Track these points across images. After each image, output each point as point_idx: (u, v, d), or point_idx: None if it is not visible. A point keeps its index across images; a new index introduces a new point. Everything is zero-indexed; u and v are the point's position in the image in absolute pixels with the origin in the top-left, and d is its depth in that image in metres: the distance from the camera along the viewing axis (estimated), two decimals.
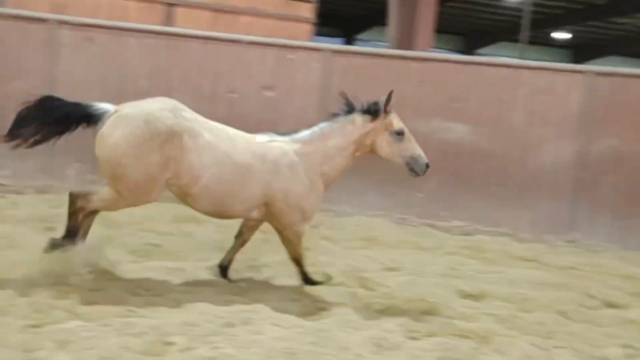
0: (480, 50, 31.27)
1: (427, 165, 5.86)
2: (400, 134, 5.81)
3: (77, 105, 5.38)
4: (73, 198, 5.43)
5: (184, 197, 5.55)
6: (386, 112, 5.81)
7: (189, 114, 5.56)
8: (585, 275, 7.23)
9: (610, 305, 6.15)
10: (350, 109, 5.87)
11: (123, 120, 5.28)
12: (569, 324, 5.46)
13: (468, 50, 30.99)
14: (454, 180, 8.95)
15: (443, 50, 25.10)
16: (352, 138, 5.82)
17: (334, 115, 5.91)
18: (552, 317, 5.57)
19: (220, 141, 5.57)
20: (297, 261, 6.03)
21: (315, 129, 5.90)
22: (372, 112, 5.79)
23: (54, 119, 5.25)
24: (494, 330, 5.12)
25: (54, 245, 5.42)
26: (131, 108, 5.43)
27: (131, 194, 5.37)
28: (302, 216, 5.80)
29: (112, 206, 5.50)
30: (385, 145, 5.84)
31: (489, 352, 4.69)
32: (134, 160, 5.24)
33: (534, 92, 8.90)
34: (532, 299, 6.04)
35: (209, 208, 5.63)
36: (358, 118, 5.82)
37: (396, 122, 5.86)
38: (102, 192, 5.40)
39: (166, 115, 5.34)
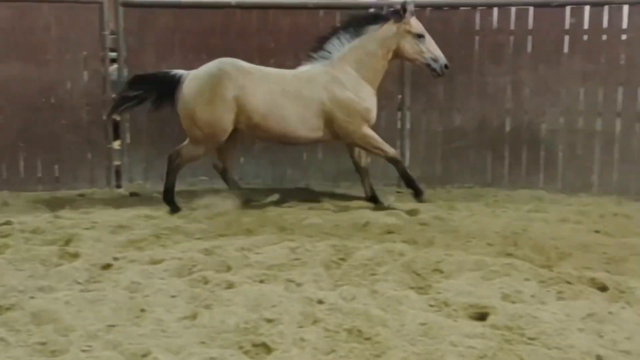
0: None
1: (446, 66, 6.76)
2: (421, 36, 6.73)
3: (159, 73, 7.07)
4: (170, 158, 6.96)
5: (252, 130, 6.90)
6: (405, 17, 6.66)
7: (244, 64, 6.85)
8: None
9: None
10: (370, 19, 6.88)
11: (192, 79, 6.81)
12: None
13: None
14: None
15: None
16: (379, 43, 6.79)
17: (357, 28, 6.86)
18: None
19: (272, 80, 6.82)
20: (394, 160, 7.02)
21: (346, 45, 6.87)
22: (392, 16, 6.73)
23: (149, 87, 6.92)
24: None
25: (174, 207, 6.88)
26: (197, 69, 6.90)
27: (205, 137, 6.78)
28: (362, 118, 6.81)
29: (195, 153, 6.93)
30: (408, 47, 6.77)
31: None
32: (204, 107, 6.68)
33: None
34: None
35: (273, 135, 6.90)
36: (381, 25, 6.78)
37: (417, 26, 6.73)
38: (185, 145, 6.93)
39: (225, 66, 6.77)
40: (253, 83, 6.72)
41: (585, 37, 7.68)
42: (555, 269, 4.85)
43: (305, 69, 7.00)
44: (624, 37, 7.50)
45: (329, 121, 6.83)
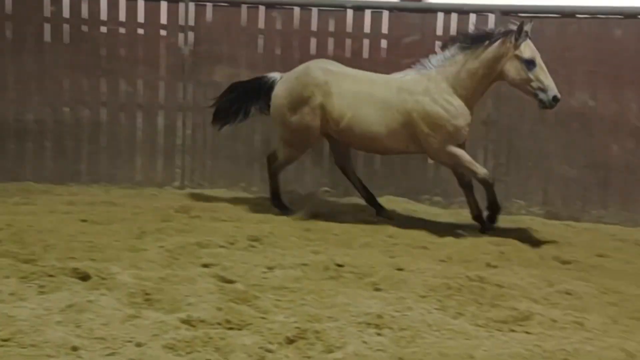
0: None
1: (556, 98, 5.97)
2: (530, 62, 6.02)
3: (255, 79, 7.03)
4: (269, 159, 7.06)
5: (340, 136, 6.69)
6: (517, 39, 6.02)
7: (335, 67, 6.75)
8: None
9: None
10: (481, 35, 6.25)
11: (283, 81, 6.82)
12: None
13: None
14: None
15: None
16: (482, 63, 6.21)
17: (465, 41, 6.30)
18: None
19: (360, 84, 6.58)
20: (485, 182, 6.37)
21: (447, 54, 6.41)
22: (502, 36, 6.13)
23: (243, 95, 6.93)
24: None
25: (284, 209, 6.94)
26: (290, 72, 6.88)
27: (295, 140, 6.78)
28: (448, 136, 6.28)
29: (287, 157, 6.92)
30: (513, 71, 6.14)
31: None
32: (292, 111, 6.64)
33: None
34: None
35: (360, 143, 6.70)
36: (488, 43, 6.18)
37: (527, 51, 6.06)
38: (279, 147, 6.92)
39: (314, 71, 6.66)
40: (340, 88, 6.56)
41: (68, 27, 7.66)
42: (40, 262, 4.73)
43: (399, 75, 6.62)
44: (103, 29, 7.71)
45: (415, 134, 6.42)
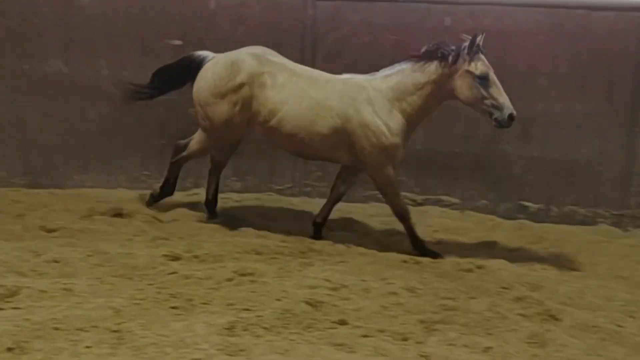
0: None
1: (511, 116, 5.51)
2: (482, 78, 5.55)
3: (181, 59, 6.21)
4: (177, 148, 6.36)
5: (268, 135, 5.99)
6: (470, 55, 5.54)
7: (275, 58, 6.02)
8: None
9: None
10: (433, 51, 5.68)
11: (212, 65, 5.99)
12: None
13: None
14: None
15: None
16: (430, 78, 5.69)
17: (417, 56, 5.75)
18: None
19: (299, 80, 5.89)
20: (401, 216, 5.96)
21: (397, 66, 5.85)
22: (453, 54, 5.59)
23: (172, 79, 6.20)
24: None
25: (153, 198, 6.51)
26: (223, 55, 6.05)
27: (217, 132, 6.00)
28: (385, 155, 5.77)
29: (203, 147, 6.17)
30: (465, 89, 5.62)
31: None
32: (218, 100, 5.86)
33: None
34: None
35: (288, 144, 5.95)
36: (439, 59, 5.66)
37: (479, 66, 5.56)
38: (196, 135, 6.18)
39: (248, 59, 5.90)
40: (276, 81, 5.86)
41: None
42: None
43: (345, 77, 5.95)
44: None
45: (350, 144, 5.81)
